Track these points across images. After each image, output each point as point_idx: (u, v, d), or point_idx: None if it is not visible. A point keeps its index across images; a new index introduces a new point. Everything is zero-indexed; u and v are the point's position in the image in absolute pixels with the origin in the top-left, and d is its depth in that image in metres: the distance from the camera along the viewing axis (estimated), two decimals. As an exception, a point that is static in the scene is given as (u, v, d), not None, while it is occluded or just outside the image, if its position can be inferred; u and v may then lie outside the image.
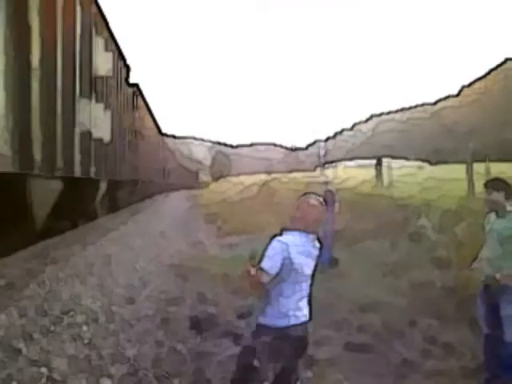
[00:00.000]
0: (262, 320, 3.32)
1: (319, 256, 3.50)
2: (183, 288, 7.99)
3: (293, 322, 3.32)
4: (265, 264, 3.21)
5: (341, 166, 37.84)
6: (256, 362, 3.28)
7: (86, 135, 11.94)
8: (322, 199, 3.48)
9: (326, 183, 10.92)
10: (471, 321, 5.53)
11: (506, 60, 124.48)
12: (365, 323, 6.25)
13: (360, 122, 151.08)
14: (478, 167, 17.70)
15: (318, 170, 17.93)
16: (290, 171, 43.35)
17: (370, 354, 5.48)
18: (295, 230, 3.36)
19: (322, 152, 16.19)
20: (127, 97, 21.67)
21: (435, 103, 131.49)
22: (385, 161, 23.63)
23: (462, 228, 8.19)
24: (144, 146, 28.33)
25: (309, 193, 3.54)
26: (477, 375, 4.72)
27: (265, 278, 3.19)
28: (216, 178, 57.87)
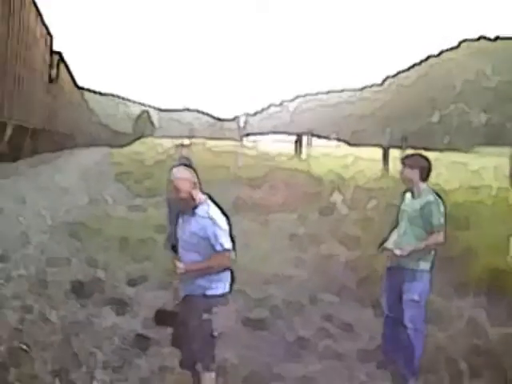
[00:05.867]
0: (220, 289, 3.35)
1: None
2: (72, 248, 7.22)
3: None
4: (228, 244, 3.27)
5: (264, 139, 37.65)
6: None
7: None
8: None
9: (184, 147, 8.71)
10: (373, 301, 5.31)
11: (429, 57, 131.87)
12: (265, 296, 5.89)
13: (287, 100, 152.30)
14: (395, 153, 18.05)
15: (242, 141, 17.42)
16: (214, 139, 42.56)
17: (267, 330, 5.12)
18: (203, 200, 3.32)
19: (242, 124, 15.75)
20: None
21: (361, 89, 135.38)
22: (305, 138, 23.57)
23: (373, 206, 8.04)
24: (61, 99, 28.73)
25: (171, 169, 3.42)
26: (373, 358, 4.46)
27: (231, 256, 3.31)
28: (136, 138, 55.75)
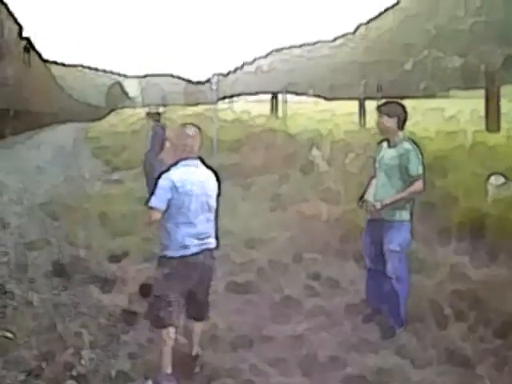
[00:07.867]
0: (166, 252, 3.46)
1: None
2: (51, 229, 7.11)
3: (194, 250, 3.43)
4: (152, 202, 3.38)
5: (239, 100, 37.15)
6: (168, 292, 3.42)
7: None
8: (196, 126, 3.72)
9: (157, 115, 8.95)
10: (357, 255, 5.32)
11: (398, 1, 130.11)
12: (250, 259, 5.88)
13: (260, 57, 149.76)
14: (371, 104, 17.87)
15: (219, 104, 17.06)
16: (189, 104, 41.88)
17: (253, 293, 5.12)
18: (179, 161, 3.51)
19: (214, 86, 15.33)
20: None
21: (334, 40, 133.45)
22: (282, 96, 23.26)
23: (352, 159, 8.00)
24: (29, 76, 29.61)
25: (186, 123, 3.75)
26: (359, 312, 4.50)
27: (156, 215, 3.38)
28: (110, 110, 54.66)
